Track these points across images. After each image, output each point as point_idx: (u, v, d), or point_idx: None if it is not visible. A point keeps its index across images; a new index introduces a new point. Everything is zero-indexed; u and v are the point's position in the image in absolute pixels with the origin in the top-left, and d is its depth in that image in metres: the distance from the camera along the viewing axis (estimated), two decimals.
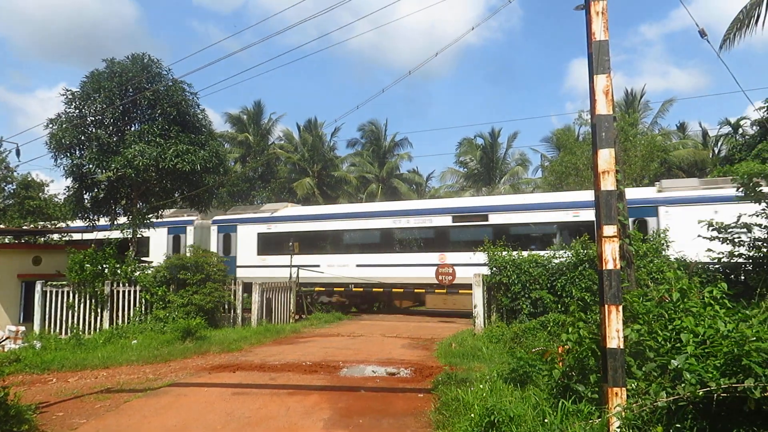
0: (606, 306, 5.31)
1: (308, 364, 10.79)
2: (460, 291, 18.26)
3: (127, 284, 15.56)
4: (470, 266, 16.44)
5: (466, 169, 39.61)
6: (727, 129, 34.78)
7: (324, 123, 40.35)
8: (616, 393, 5.12)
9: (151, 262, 18.06)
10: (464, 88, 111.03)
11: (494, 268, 14.35)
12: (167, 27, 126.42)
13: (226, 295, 16.49)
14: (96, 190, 18.72)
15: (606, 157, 5.60)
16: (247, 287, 17.16)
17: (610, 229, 5.48)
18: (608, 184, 5.56)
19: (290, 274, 20.01)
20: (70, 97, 17.49)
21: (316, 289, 21.29)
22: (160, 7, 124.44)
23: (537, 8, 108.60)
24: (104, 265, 15.53)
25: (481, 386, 6.88)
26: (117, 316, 15.23)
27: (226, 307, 16.73)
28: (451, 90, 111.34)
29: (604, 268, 5.40)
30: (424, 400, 7.92)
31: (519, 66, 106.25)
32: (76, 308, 15.03)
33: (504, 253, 14.37)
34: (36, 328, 14.76)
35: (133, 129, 18.33)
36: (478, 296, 14.27)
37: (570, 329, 6.38)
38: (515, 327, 12.05)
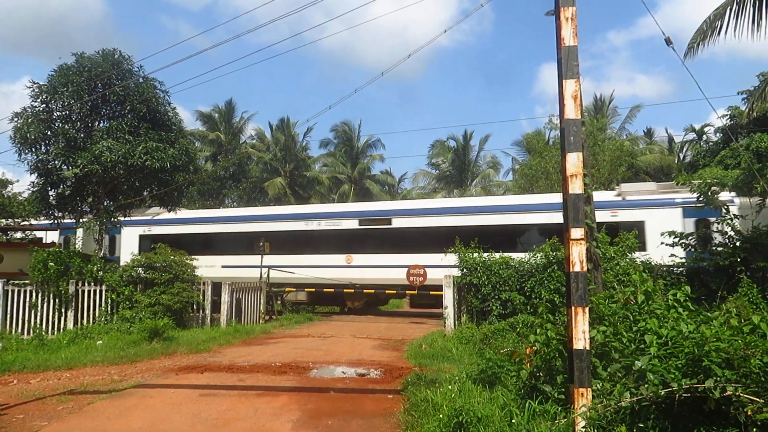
0: (573, 308, 5.40)
1: (278, 365, 10.72)
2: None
3: (92, 283, 15.22)
4: None
5: (438, 171, 39.85)
6: (692, 135, 35.71)
7: (297, 122, 40.16)
8: (582, 393, 5.21)
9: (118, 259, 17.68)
10: (437, 90, 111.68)
11: (464, 269, 14.44)
12: (136, 22, 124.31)
13: (195, 295, 16.25)
14: (62, 186, 18.27)
15: (574, 161, 5.69)
16: (216, 287, 16.96)
17: (577, 232, 5.57)
18: (576, 187, 5.65)
19: None
20: (37, 90, 17.04)
21: None
22: (128, 1, 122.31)
23: (508, 12, 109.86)
24: (69, 264, 15.17)
25: (450, 387, 6.91)
26: (82, 316, 14.88)
27: (195, 307, 16.51)
28: (424, 92, 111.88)
29: (571, 270, 5.49)
30: (393, 401, 7.94)
31: (490, 69, 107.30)
32: (39, 308, 14.63)
33: (474, 254, 14.48)
34: None
35: (101, 125, 17.94)
36: (448, 297, 14.35)
37: (538, 330, 6.47)
38: (485, 328, 12.14)
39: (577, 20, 5.87)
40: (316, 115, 62.18)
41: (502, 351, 8.25)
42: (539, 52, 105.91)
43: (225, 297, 16.69)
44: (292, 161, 39.02)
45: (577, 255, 5.50)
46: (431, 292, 18.87)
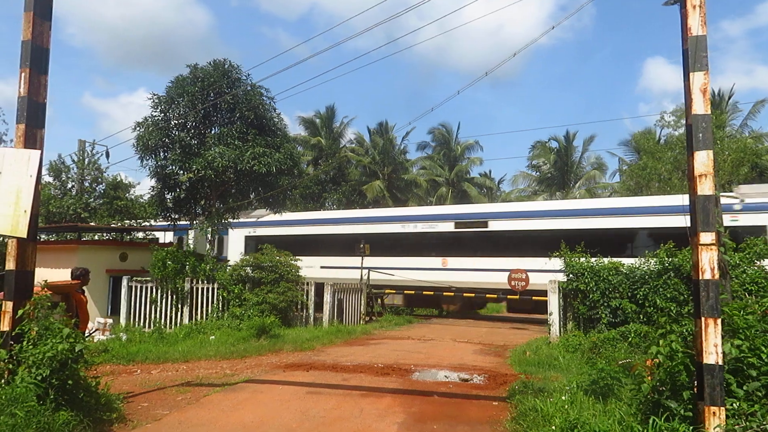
0: (702, 319, 4.98)
1: (380, 366, 10.78)
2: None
3: (205, 281, 16.12)
4: None
5: (539, 173, 38.71)
6: None
7: (394, 126, 40.48)
8: (714, 412, 4.79)
9: (228, 260, 18.61)
10: (536, 89, 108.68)
11: (570, 275, 13.85)
12: (238, 33, 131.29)
13: (299, 294, 16.77)
14: (177, 190, 19.52)
15: (703, 160, 5.27)
16: (318, 287, 17.41)
17: (707, 237, 5.14)
18: (705, 188, 5.22)
19: None
20: (156, 101, 18.32)
21: None
22: (230, 15, 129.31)
23: (609, 7, 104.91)
24: (185, 263, 16.15)
25: (562, 397, 6.61)
26: (196, 311, 15.81)
27: (299, 306, 17.03)
28: (523, 91, 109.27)
29: (700, 278, 5.07)
30: (499, 408, 7.72)
31: (591, 66, 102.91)
32: (158, 303, 15.73)
33: (582, 259, 13.85)
34: (122, 320, 15.56)
35: (213, 132, 19.00)
36: (553, 303, 13.83)
37: (660, 342, 6.00)
38: (593, 336, 11.57)
39: (705, 7, 5.44)
40: (417, 118, 62.64)
41: (620, 362, 7.78)
42: (642, 46, 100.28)
43: (327, 297, 17.08)
44: (390, 164, 39.37)
45: (708, 261, 5.07)
46: (534, 298, 18.34)
